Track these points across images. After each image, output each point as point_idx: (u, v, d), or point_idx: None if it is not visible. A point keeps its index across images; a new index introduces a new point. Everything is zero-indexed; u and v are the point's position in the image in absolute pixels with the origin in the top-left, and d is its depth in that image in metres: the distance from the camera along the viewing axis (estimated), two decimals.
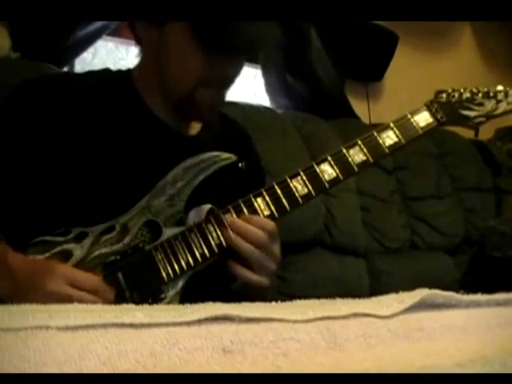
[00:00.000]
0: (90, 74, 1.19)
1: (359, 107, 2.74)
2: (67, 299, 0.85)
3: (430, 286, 0.68)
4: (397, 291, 0.66)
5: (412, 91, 2.89)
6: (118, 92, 1.11)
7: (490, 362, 0.52)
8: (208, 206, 1.04)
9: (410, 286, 0.68)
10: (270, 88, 2.53)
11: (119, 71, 1.17)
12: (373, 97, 2.89)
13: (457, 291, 0.68)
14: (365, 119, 2.74)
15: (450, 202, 2.57)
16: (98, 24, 1.95)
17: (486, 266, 2.34)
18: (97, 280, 0.94)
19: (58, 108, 1.05)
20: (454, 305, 0.66)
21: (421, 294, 0.64)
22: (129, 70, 1.16)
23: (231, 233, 0.99)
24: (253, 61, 2.47)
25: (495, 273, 2.23)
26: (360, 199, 2.31)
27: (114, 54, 2.46)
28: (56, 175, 1.02)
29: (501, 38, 3.35)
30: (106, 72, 1.18)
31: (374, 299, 0.65)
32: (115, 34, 2.17)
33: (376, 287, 2.19)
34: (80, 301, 0.84)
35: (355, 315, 0.58)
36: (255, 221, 1.00)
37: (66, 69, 2.02)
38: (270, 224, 1.01)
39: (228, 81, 1.07)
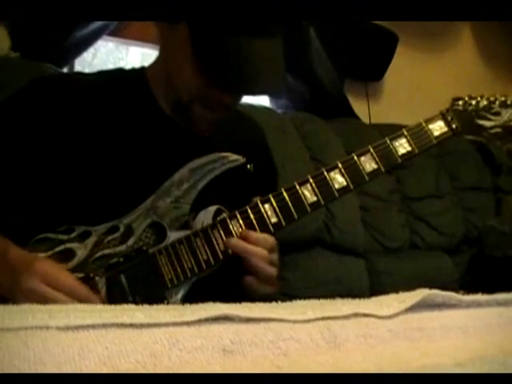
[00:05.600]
0: (102, 73, 1.19)
1: (359, 107, 2.74)
2: (42, 298, 0.83)
3: (430, 285, 0.68)
4: (396, 291, 0.66)
5: (412, 91, 2.90)
6: (130, 90, 1.11)
7: (489, 361, 0.52)
8: (215, 207, 1.03)
9: (409, 286, 0.68)
10: None
11: (133, 69, 1.17)
12: (373, 97, 2.89)
13: (456, 291, 0.68)
14: (365, 119, 2.74)
15: (449, 201, 2.58)
16: (98, 24, 1.95)
17: (486, 266, 2.34)
18: (74, 283, 0.90)
19: (67, 106, 1.05)
20: (454, 305, 0.66)
21: (421, 294, 0.64)
22: (142, 68, 1.15)
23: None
24: None
25: (495, 272, 2.23)
26: (360, 199, 2.31)
27: (114, 54, 2.46)
28: (62, 172, 1.02)
29: (501, 38, 3.35)
30: (118, 71, 1.18)
31: (374, 299, 0.65)
32: (115, 34, 2.17)
33: (376, 287, 2.19)
34: (54, 301, 0.83)
35: (355, 315, 0.58)
36: (254, 239, 1.00)
37: (66, 69, 2.02)
38: (269, 241, 1.01)
39: (224, 107, 1.06)
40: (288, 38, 2.38)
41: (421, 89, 2.92)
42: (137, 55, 2.48)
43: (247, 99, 2.46)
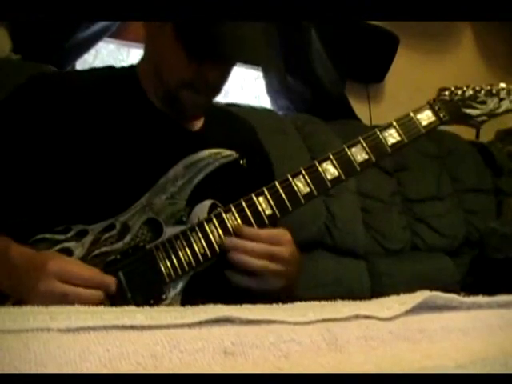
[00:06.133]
0: (94, 70, 1.20)
1: (360, 109, 2.74)
2: (63, 298, 0.84)
3: (431, 287, 0.68)
4: (397, 293, 0.66)
5: (413, 93, 2.89)
6: (121, 87, 1.12)
7: (490, 363, 0.52)
8: (210, 202, 1.04)
9: (410, 288, 0.68)
10: (271, 90, 2.53)
11: (122, 67, 1.20)
12: (374, 98, 2.89)
13: (458, 293, 0.68)
14: (366, 121, 2.74)
15: (450, 203, 2.57)
16: (99, 25, 1.96)
17: (487, 268, 2.34)
18: (93, 272, 0.92)
19: (60, 104, 1.05)
20: (455, 306, 0.66)
21: (422, 295, 0.64)
22: (132, 66, 1.17)
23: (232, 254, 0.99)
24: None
25: (496, 274, 2.23)
26: (360, 200, 2.31)
27: (115, 55, 2.46)
28: (58, 171, 1.02)
29: (501, 40, 3.35)
30: (109, 68, 1.19)
31: (374, 301, 0.65)
32: (116, 35, 2.17)
33: (377, 289, 2.19)
34: (78, 298, 0.84)
35: (356, 317, 0.58)
36: (247, 234, 1.00)
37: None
38: (263, 234, 1.01)
39: (211, 88, 1.07)
40: (289, 39, 2.39)
41: (422, 90, 2.90)
42: (138, 57, 2.48)
43: (248, 101, 2.47)
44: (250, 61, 1.11)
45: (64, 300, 0.84)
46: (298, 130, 2.28)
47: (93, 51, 2.20)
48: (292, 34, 2.38)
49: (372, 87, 2.88)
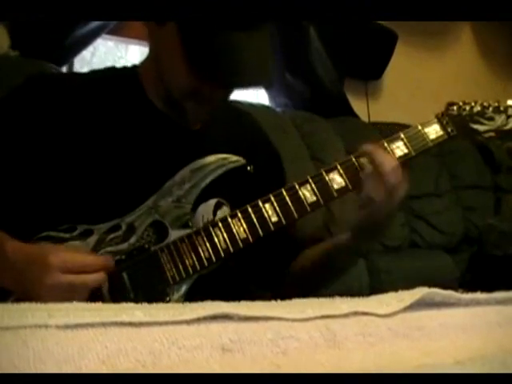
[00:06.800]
0: (96, 72, 1.19)
1: (358, 106, 2.74)
2: (71, 288, 0.86)
3: (430, 284, 0.68)
4: (396, 290, 0.66)
5: (411, 90, 2.90)
6: (123, 88, 1.11)
7: (489, 360, 0.52)
8: (215, 201, 1.04)
9: (409, 285, 0.68)
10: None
11: (124, 68, 1.17)
12: (372, 95, 2.89)
13: (456, 290, 0.68)
14: (364, 117, 2.75)
15: (449, 200, 2.58)
16: (98, 23, 1.95)
17: (486, 265, 2.34)
18: (88, 258, 0.93)
19: (64, 104, 1.05)
20: (453, 303, 0.66)
21: (420, 292, 0.64)
22: (134, 67, 1.16)
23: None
24: None
25: (495, 271, 2.23)
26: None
27: (113, 52, 2.46)
28: (63, 171, 1.02)
29: (501, 37, 3.35)
30: (111, 69, 1.18)
31: (373, 298, 0.65)
32: (115, 32, 2.17)
33: (375, 286, 2.19)
34: (85, 284, 0.87)
35: (354, 314, 0.58)
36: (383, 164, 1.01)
37: (65, 67, 2.02)
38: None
39: (214, 102, 1.06)
40: (288, 38, 2.39)
41: (420, 87, 2.92)
42: (136, 54, 2.48)
43: (247, 98, 2.47)
44: (253, 87, 1.08)
45: (72, 289, 0.86)
46: (298, 129, 2.27)
47: (91, 48, 2.20)
48: (292, 34, 2.38)
49: (370, 84, 2.88)
